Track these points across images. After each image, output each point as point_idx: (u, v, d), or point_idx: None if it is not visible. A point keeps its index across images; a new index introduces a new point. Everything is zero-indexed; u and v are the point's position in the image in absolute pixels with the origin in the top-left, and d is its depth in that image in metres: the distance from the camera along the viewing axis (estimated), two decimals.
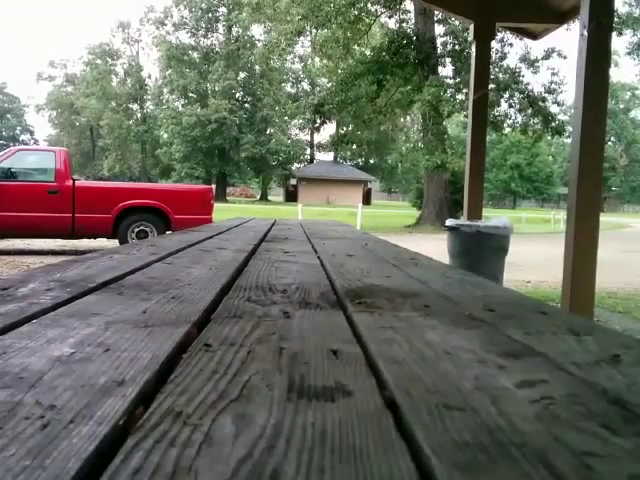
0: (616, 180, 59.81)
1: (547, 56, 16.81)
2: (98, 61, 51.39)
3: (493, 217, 4.62)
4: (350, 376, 0.60)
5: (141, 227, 8.24)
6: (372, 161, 58.92)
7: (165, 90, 46.43)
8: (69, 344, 0.69)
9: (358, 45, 17.49)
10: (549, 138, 18.67)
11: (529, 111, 15.88)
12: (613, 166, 57.59)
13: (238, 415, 0.48)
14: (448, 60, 16.63)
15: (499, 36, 15.18)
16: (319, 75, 28.38)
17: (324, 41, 16.39)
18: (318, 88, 43.38)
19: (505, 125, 17.08)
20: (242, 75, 44.77)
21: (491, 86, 13.40)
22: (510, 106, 16.34)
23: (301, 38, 18.29)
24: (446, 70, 17.03)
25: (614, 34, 12.10)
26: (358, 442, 0.44)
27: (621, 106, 61.14)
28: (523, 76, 16.20)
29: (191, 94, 44.67)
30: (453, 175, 17.66)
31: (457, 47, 16.12)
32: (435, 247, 7.34)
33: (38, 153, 9.44)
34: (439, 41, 16.96)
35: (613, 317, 4.89)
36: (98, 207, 8.04)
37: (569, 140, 14.52)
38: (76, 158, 49.76)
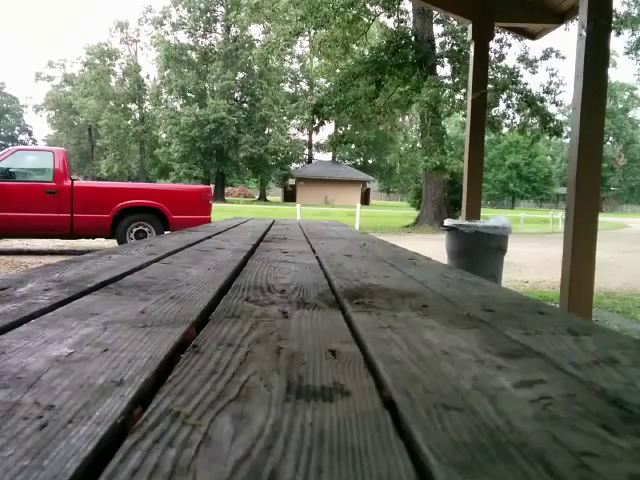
0: (615, 180, 59.91)
1: (545, 56, 16.84)
2: (96, 61, 51.26)
3: (492, 217, 4.62)
4: (348, 376, 0.60)
5: (140, 227, 8.24)
6: (370, 161, 58.89)
7: (163, 90, 46.30)
8: (67, 344, 0.69)
9: (357, 45, 17.48)
10: (547, 138, 18.67)
11: (527, 111, 15.87)
12: (612, 166, 57.71)
13: (236, 415, 0.48)
14: (446, 60, 16.63)
15: (497, 36, 15.19)
16: (317, 75, 28.36)
17: (323, 40, 16.39)
18: (317, 88, 43.37)
19: (503, 125, 17.07)
20: (240, 75, 44.70)
21: (489, 86, 13.39)
22: (508, 106, 16.33)
23: (300, 38, 18.27)
24: (444, 70, 17.05)
25: (612, 34, 12.11)
26: (356, 442, 0.44)
27: (620, 106, 61.26)
28: (521, 76, 16.21)
29: (189, 94, 44.62)
30: (452, 175, 17.65)
31: (455, 47, 16.13)
32: (434, 247, 7.35)
33: (37, 153, 9.42)
34: (438, 41, 16.97)
35: (611, 317, 4.90)
36: (96, 207, 8.04)
37: (567, 140, 14.52)
38: (74, 158, 49.69)
